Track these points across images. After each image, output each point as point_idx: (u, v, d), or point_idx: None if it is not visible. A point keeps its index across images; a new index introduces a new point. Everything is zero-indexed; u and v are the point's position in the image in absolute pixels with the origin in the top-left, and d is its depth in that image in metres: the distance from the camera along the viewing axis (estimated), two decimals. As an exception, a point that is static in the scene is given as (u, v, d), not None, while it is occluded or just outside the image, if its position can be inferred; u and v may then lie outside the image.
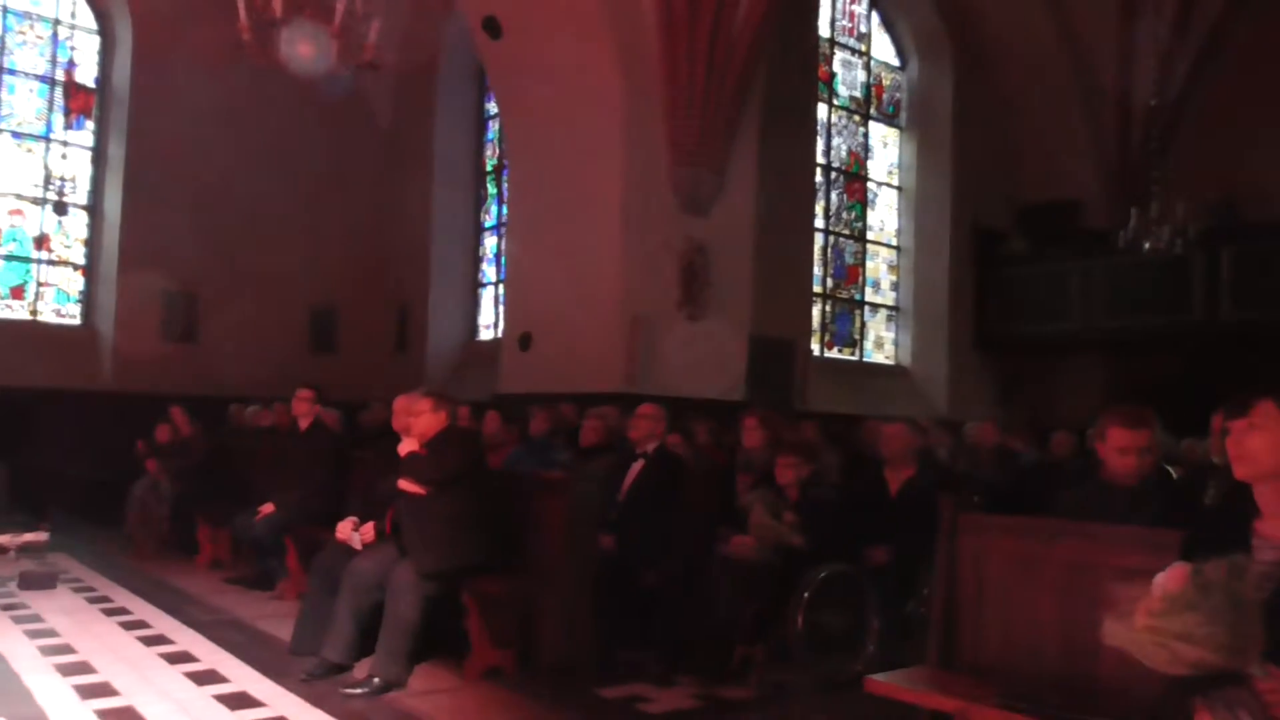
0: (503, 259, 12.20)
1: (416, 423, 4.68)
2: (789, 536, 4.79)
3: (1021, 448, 7.37)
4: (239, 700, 4.05)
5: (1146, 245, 10.55)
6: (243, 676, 4.41)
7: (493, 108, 12.82)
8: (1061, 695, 2.65)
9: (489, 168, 13.33)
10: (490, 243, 13.23)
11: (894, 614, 4.87)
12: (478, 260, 13.36)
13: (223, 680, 4.34)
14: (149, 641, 5.02)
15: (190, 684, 4.28)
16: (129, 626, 5.35)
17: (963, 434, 7.47)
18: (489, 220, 13.30)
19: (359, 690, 4.18)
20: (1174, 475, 3.45)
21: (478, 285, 13.31)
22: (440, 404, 4.73)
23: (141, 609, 5.81)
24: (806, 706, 4.31)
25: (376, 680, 4.22)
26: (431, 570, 4.36)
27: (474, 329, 13.24)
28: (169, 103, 11.34)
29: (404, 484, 4.52)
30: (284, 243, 12.15)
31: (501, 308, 11.68)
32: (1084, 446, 6.39)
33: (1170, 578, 2.08)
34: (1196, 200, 11.05)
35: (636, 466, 5.36)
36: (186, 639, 5.09)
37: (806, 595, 4.62)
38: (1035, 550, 2.98)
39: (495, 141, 13.11)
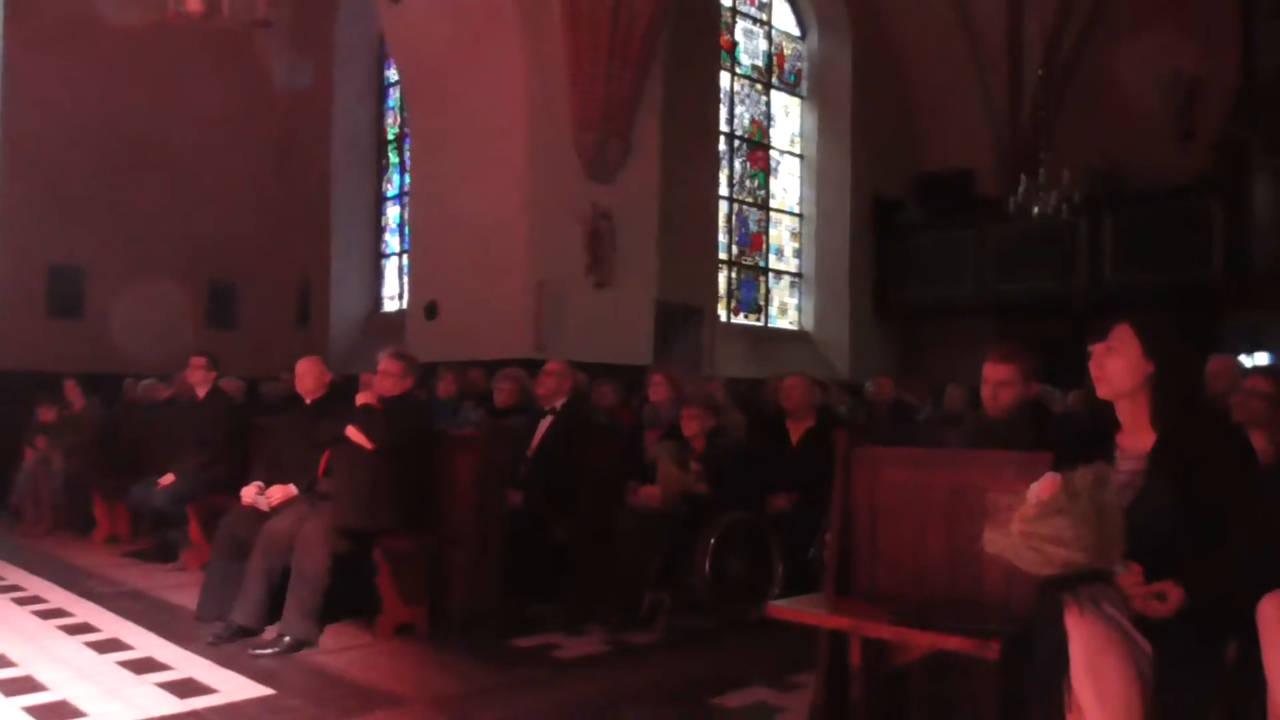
0: (406, 229, 12.05)
1: (382, 382, 4.67)
2: (694, 485, 4.92)
3: (917, 402, 7.64)
4: (144, 665, 3.99)
5: (1035, 212, 11.00)
6: (147, 643, 4.33)
7: (393, 75, 12.60)
8: (950, 609, 2.81)
9: (390, 136, 13.11)
10: (393, 212, 13.03)
11: (796, 559, 5.05)
12: (380, 230, 13.16)
13: (126, 648, 4.26)
14: (45, 615, 4.88)
15: (92, 653, 4.18)
16: (22, 601, 5.18)
17: (863, 390, 7.72)
18: (391, 190, 13.09)
19: (269, 650, 4.16)
20: (1049, 410, 3.67)
21: (381, 256, 13.11)
22: (410, 370, 4.76)
23: (34, 584, 5.63)
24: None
25: (287, 639, 4.21)
26: (351, 526, 4.36)
27: (378, 300, 13.05)
28: (50, 71, 10.83)
29: (353, 433, 4.49)
30: (178, 215, 11.74)
31: (406, 278, 11.54)
32: (975, 401, 6.70)
33: (1042, 486, 2.23)
34: (1081, 168, 11.55)
35: (545, 423, 5.42)
36: (85, 611, 4.97)
37: (712, 542, 4.77)
38: (924, 478, 3.14)
39: (396, 109, 12.90)
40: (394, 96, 12.92)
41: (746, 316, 13.35)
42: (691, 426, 5.21)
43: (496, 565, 4.81)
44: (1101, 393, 2.40)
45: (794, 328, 13.93)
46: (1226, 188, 10.72)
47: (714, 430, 5.31)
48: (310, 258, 12.80)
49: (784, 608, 3.06)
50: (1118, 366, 2.35)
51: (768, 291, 13.68)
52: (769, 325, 13.62)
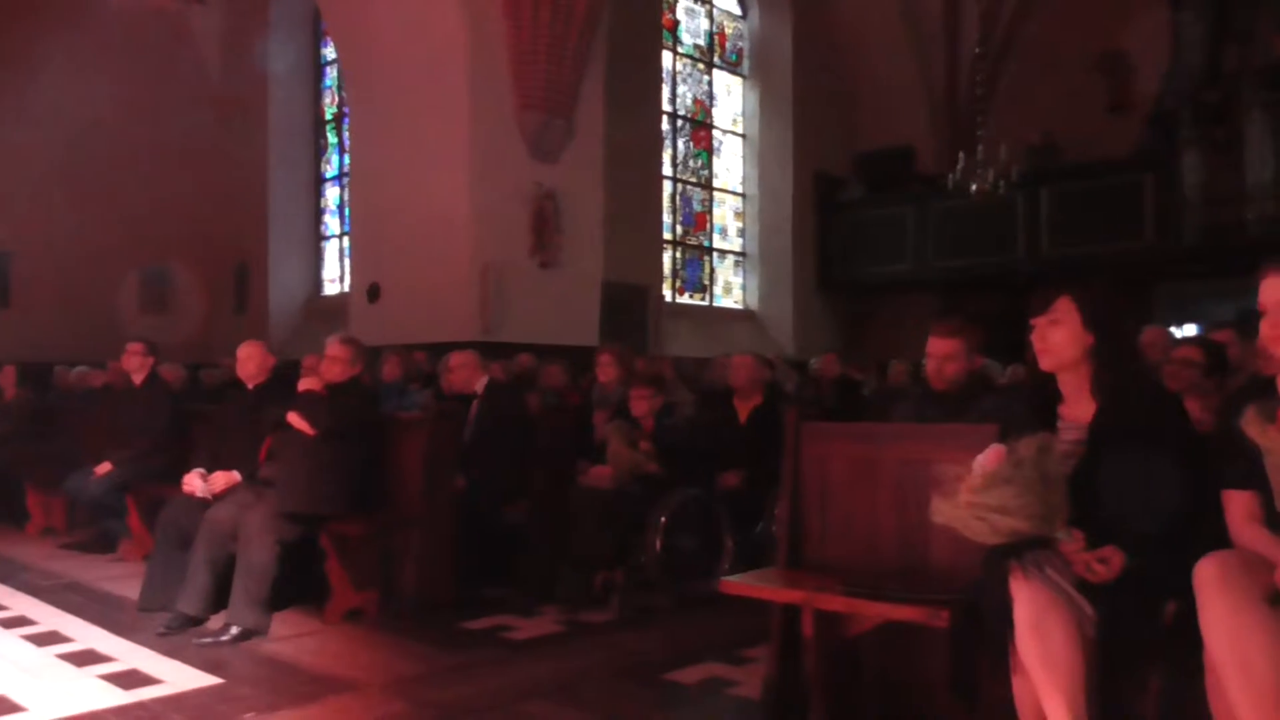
0: (346, 210, 11.85)
1: (330, 367, 4.60)
2: (645, 464, 4.94)
3: (861, 377, 7.75)
4: (86, 658, 3.90)
5: (973, 188, 11.16)
6: (88, 635, 4.24)
7: (330, 53, 12.36)
8: (900, 580, 2.86)
9: (328, 116, 12.87)
10: (332, 194, 12.82)
11: (746, 535, 5.11)
12: (319, 213, 12.94)
13: (66, 640, 4.17)
14: (-21, 610, 4.75)
15: (30, 646, 4.08)
16: (-45, 597, 5.04)
17: (808, 367, 7.80)
18: (330, 171, 12.87)
19: (216, 639, 4.09)
20: (993, 383, 3.74)
21: (320, 238, 12.90)
22: (359, 356, 4.69)
23: (-33, 579, 5.48)
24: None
25: (234, 629, 4.14)
26: (296, 511, 4.29)
27: (318, 283, 12.86)
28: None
29: (295, 419, 4.42)
30: (109, 199, 11.43)
31: (347, 261, 11.37)
32: (918, 375, 6.82)
33: (988, 457, 2.28)
34: (1018, 144, 11.75)
35: (473, 407, 5.41)
36: (22, 604, 4.84)
37: (663, 520, 4.80)
38: (872, 452, 3.19)
39: (334, 89, 12.66)
40: (331, 75, 12.68)
41: (692, 296, 13.39)
42: (640, 406, 5.22)
43: (448, 548, 4.80)
44: (1044, 365, 2.45)
45: (739, 306, 14.01)
46: (1157, 162, 10.97)
47: (663, 409, 5.33)
48: (248, 241, 12.56)
49: (737, 583, 3.09)
50: (1060, 338, 2.40)
51: (712, 271, 13.73)
52: (714, 304, 13.67)
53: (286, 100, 12.67)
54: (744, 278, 14.12)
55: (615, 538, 4.89)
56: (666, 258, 12.70)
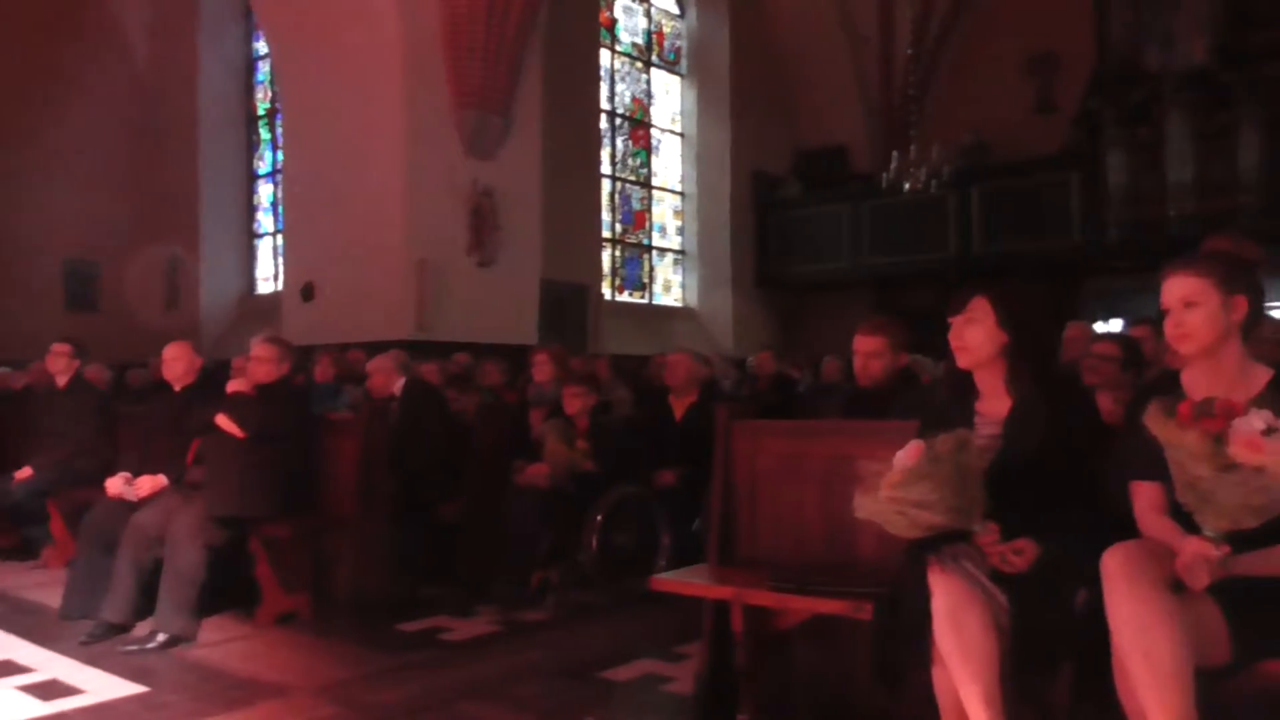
0: (280, 207, 11.66)
1: (257, 368, 4.52)
2: (581, 462, 4.94)
3: (797, 374, 7.84)
4: (4, 668, 3.77)
5: (906, 186, 11.37)
6: (7, 645, 4.11)
7: (262, 47, 12.14)
8: (826, 574, 2.91)
9: (260, 111, 12.64)
10: (265, 191, 12.60)
11: (682, 532, 5.14)
12: (252, 210, 12.71)
13: (-17, 651, 4.05)
14: (-111, 622, 4.59)
15: (-56, 658, 3.96)
16: None
17: (745, 364, 7.87)
18: (263, 167, 12.65)
19: (142, 647, 4.01)
20: (920, 379, 3.82)
21: (254, 236, 12.67)
22: (286, 355, 4.61)
23: (-124, 590, 5.29)
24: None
25: (161, 636, 4.05)
26: (225, 514, 4.22)
27: (251, 281, 12.63)
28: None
29: (223, 422, 4.34)
30: (31, 193, 11.10)
31: (281, 259, 11.19)
32: (851, 371, 6.93)
33: (907, 453, 2.33)
34: (950, 143, 11.98)
35: (392, 409, 5.38)
36: (-63, 615, 4.69)
37: (599, 518, 4.81)
38: (800, 448, 3.24)
39: (267, 84, 12.44)
40: (264, 70, 12.46)
41: (631, 294, 13.42)
42: (574, 404, 5.23)
43: (381, 549, 4.75)
44: (961, 362, 2.51)
45: (678, 304, 14.07)
46: (1084, 160, 11.27)
47: (597, 407, 5.34)
48: (178, 238, 12.27)
49: (668, 580, 3.12)
50: (975, 336, 2.46)
51: (652, 269, 13.77)
52: (653, 302, 13.72)
53: (218, 94, 12.42)
54: (683, 276, 14.19)
55: (552, 536, 4.90)
56: (606, 256, 12.71)
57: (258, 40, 12.27)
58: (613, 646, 4.11)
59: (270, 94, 12.30)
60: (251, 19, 11.95)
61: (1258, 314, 2.19)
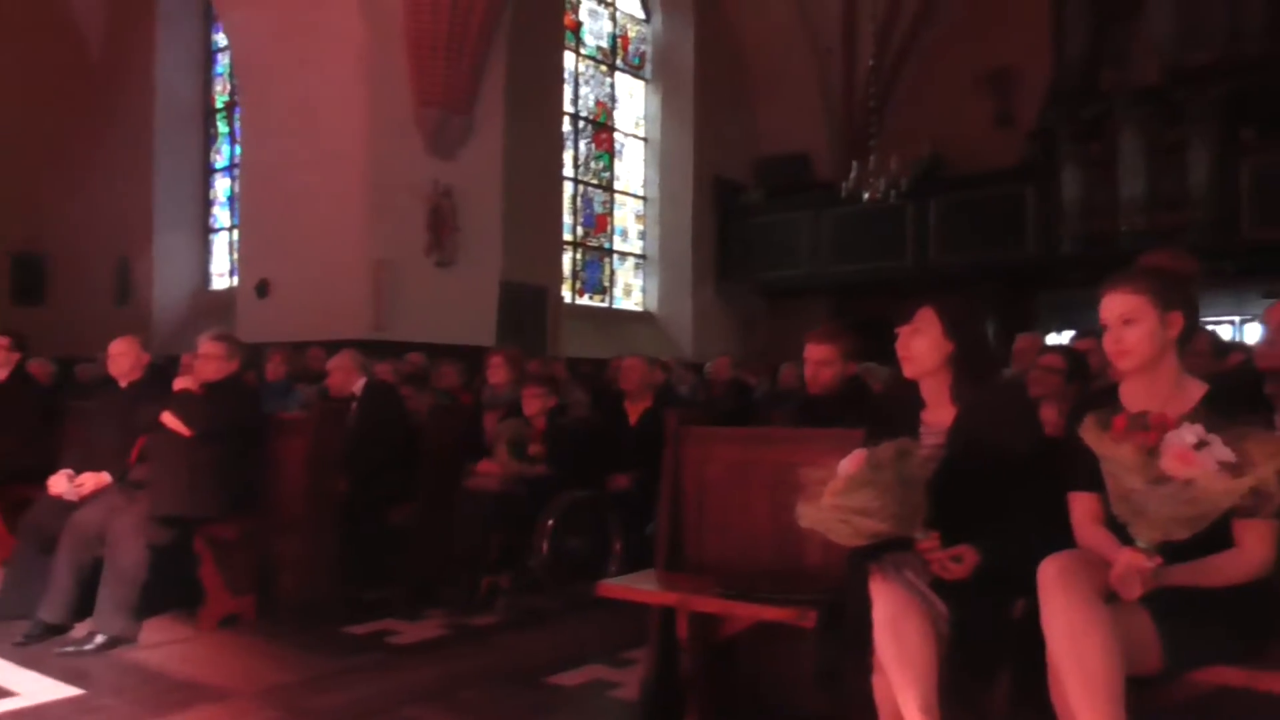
0: (237, 202, 11.50)
1: (205, 366, 4.44)
2: (531, 470, 4.92)
3: (754, 381, 7.87)
4: (-67, 672, 3.70)
5: (865, 196, 11.48)
6: (-62, 647, 4.02)
7: (222, 39, 11.97)
8: (772, 581, 2.92)
9: (219, 105, 12.46)
10: (222, 185, 12.41)
11: (635, 536, 5.14)
12: (208, 204, 12.51)
13: (-87, 652, 3.95)
14: None
15: None
16: None
17: (703, 370, 7.89)
18: (220, 161, 12.46)
19: (80, 649, 3.93)
20: (870, 388, 3.85)
21: (209, 231, 12.48)
22: (234, 352, 4.54)
23: None
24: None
25: (100, 637, 3.98)
26: (169, 514, 4.15)
27: (206, 277, 12.43)
28: None
29: (169, 419, 4.26)
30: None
31: (237, 254, 11.04)
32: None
33: (850, 461, 2.35)
34: (909, 154, 12.11)
35: (351, 409, 5.33)
36: None
37: (551, 523, 4.80)
38: (749, 455, 3.25)
39: (226, 76, 12.27)
40: (223, 62, 12.28)
41: (592, 297, 13.41)
42: (533, 405, 5.21)
43: (329, 551, 4.70)
44: (908, 372, 2.54)
45: (639, 308, 14.08)
46: (1039, 174, 11.45)
47: (555, 409, 5.33)
48: (131, 230, 12.04)
49: (614, 586, 3.12)
50: (921, 346, 2.49)
51: (612, 273, 13.77)
52: (614, 306, 13.72)
53: (175, 86, 12.20)
54: (644, 280, 14.19)
55: (502, 540, 4.88)
56: (566, 259, 12.69)
57: (217, 32, 12.10)
58: (561, 651, 4.10)
59: (229, 87, 12.13)
60: (211, 10, 11.78)
61: (1193, 329, 2.24)
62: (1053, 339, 13.67)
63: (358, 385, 5.47)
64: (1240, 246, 10.11)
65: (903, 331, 2.52)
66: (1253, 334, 12.48)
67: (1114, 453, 1.98)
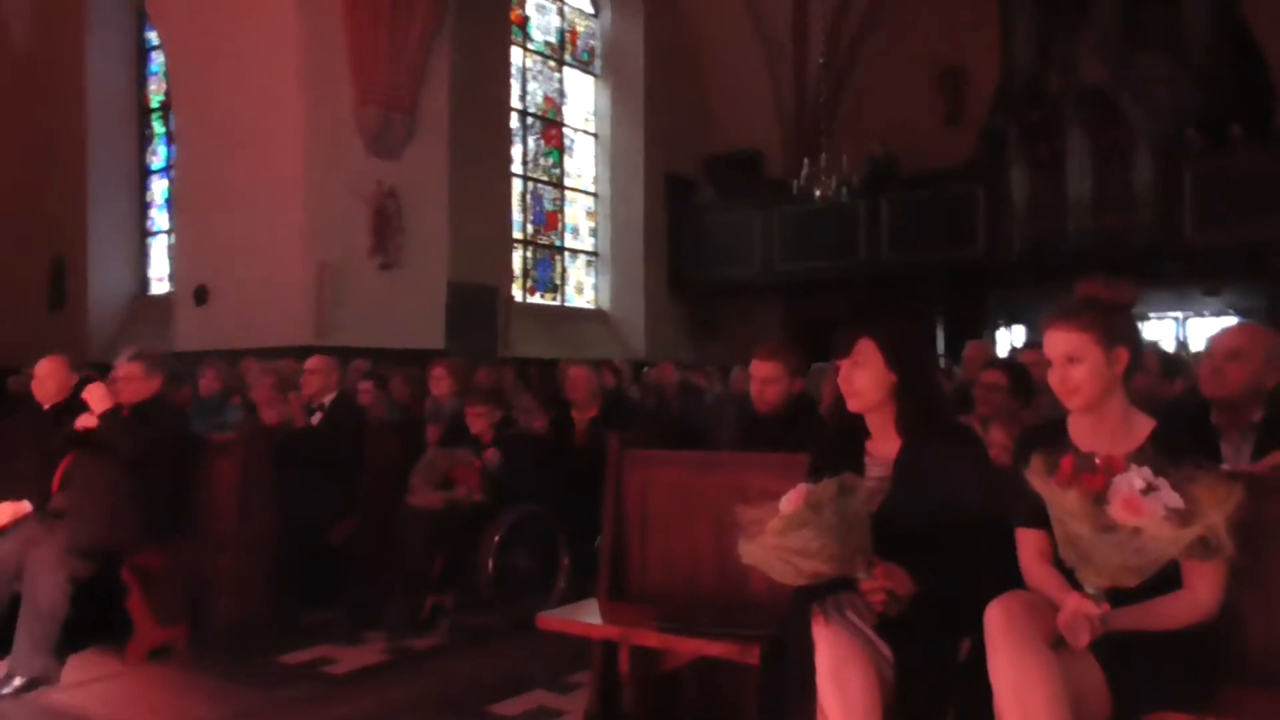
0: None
1: (125, 389, 4.22)
2: (465, 499, 4.78)
3: (704, 384, 7.79)
4: None
5: (817, 194, 11.46)
6: None
7: (155, 36, 11.62)
8: (715, 613, 2.83)
9: (154, 104, 12.11)
10: (159, 186, 12.07)
11: (583, 550, 5.03)
12: (145, 206, 12.16)
13: None
14: None
15: None
16: None
17: (643, 375, 7.79)
18: (157, 162, 12.12)
19: (-4, 690, 3.73)
20: (816, 406, 3.77)
21: (146, 234, 12.13)
22: (154, 370, 4.30)
23: None
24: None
25: (18, 679, 3.77)
26: (91, 546, 3.96)
27: (145, 281, 12.09)
28: None
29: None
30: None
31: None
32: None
33: (789, 499, 2.26)
34: (861, 153, 12.12)
35: (314, 420, 5.15)
36: None
37: (497, 539, 4.67)
38: (693, 480, 3.16)
39: (161, 75, 11.92)
40: (157, 60, 11.93)
41: (543, 296, 13.27)
42: (478, 424, 5.06)
43: (263, 576, 4.53)
44: (852, 407, 2.45)
45: (591, 306, 13.97)
46: (988, 174, 11.52)
47: (501, 422, 5.19)
48: (65, 232, 11.68)
49: (555, 618, 3.01)
50: (864, 381, 2.41)
51: (564, 271, 13.64)
52: (566, 304, 13.58)
53: (107, 85, 11.83)
54: (596, 277, 14.08)
55: (446, 558, 4.74)
56: (517, 257, 12.53)
57: (150, 30, 11.74)
58: (505, 676, 3.98)
59: (165, 85, 11.78)
60: (143, 6, 11.43)
61: (1138, 361, 2.19)
62: (1002, 335, 13.83)
63: (329, 397, 5.27)
64: (1183, 247, 10.24)
65: (843, 365, 2.43)
66: (1195, 331, 12.70)
67: (1060, 499, 1.91)
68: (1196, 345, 11.70)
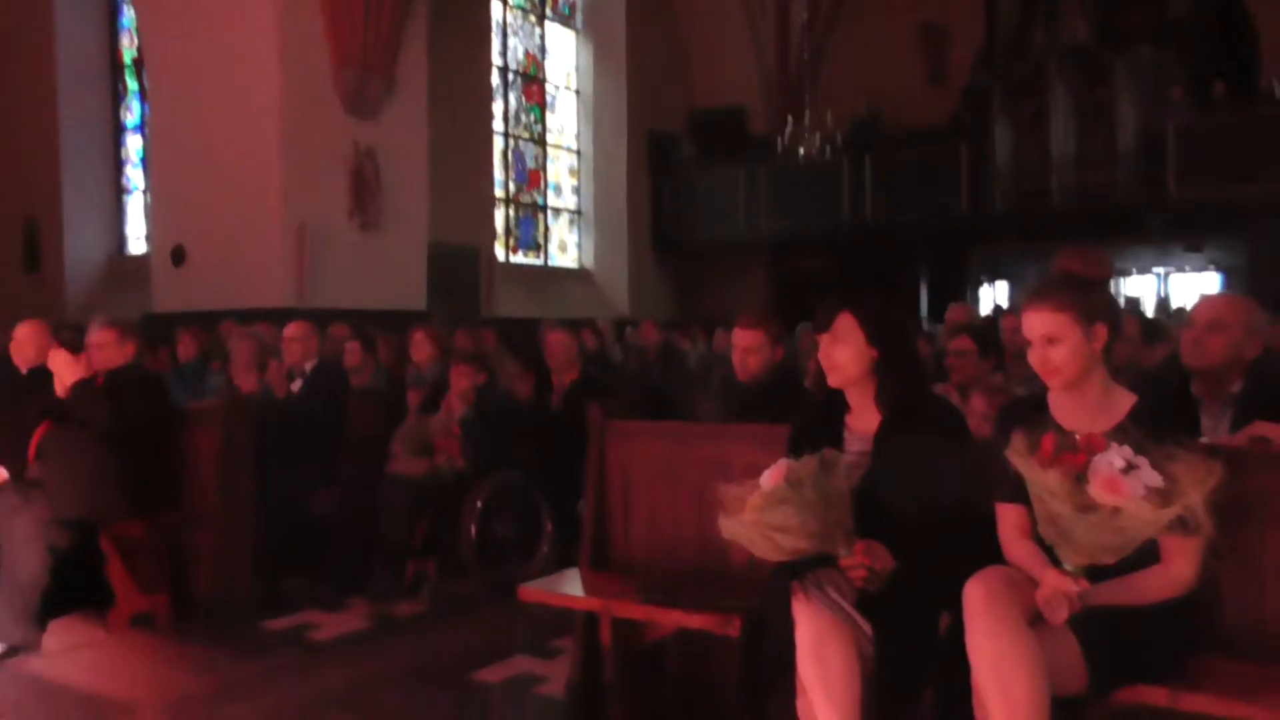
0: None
1: (99, 356, 4.15)
2: (446, 467, 4.76)
3: (688, 345, 7.77)
4: None
5: (801, 151, 11.38)
6: None
7: (125, -11, 11.37)
8: (696, 586, 2.84)
9: (127, 60, 11.85)
10: (134, 144, 11.86)
11: (565, 514, 5.03)
12: (120, 164, 11.96)
13: None
14: None
15: None
16: None
17: (625, 336, 7.75)
18: (131, 119, 11.89)
19: (-24, 659, 3.73)
20: (798, 375, 3.77)
21: (122, 192, 11.94)
22: (127, 336, 4.22)
23: None
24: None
25: (-1, 646, 3.78)
26: (70, 516, 3.93)
27: (121, 242, 11.93)
28: None
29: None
30: None
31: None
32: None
33: (770, 475, 2.26)
34: (845, 110, 12.02)
35: (294, 387, 5.11)
36: None
37: (478, 505, 4.67)
38: (675, 452, 3.15)
39: (132, 30, 11.65)
40: (129, 14, 11.65)
41: (526, 255, 13.17)
42: (462, 383, 5.03)
43: (245, 543, 4.52)
44: (833, 382, 2.44)
45: (574, 265, 13.89)
46: (972, 131, 11.45)
47: (484, 385, 5.17)
48: (38, 192, 11.47)
49: (535, 590, 3.01)
50: (845, 356, 2.39)
51: (547, 229, 13.53)
52: (549, 264, 13.50)
53: (77, 37, 11.55)
54: (579, 236, 13.98)
55: (428, 525, 4.74)
56: (499, 216, 12.42)
57: (119, -18, 11.48)
58: (487, 643, 3.99)
59: (137, 40, 11.53)
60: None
61: (1117, 333, 2.18)
62: (985, 292, 13.85)
63: (310, 364, 5.23)
64: (1166, 203, 10.25)
65: (823, 340, 2.42)
66: (1178, 287, 12.75)
67: (1040, 478, 1.91)
68: (1178, 301, 11.78)
